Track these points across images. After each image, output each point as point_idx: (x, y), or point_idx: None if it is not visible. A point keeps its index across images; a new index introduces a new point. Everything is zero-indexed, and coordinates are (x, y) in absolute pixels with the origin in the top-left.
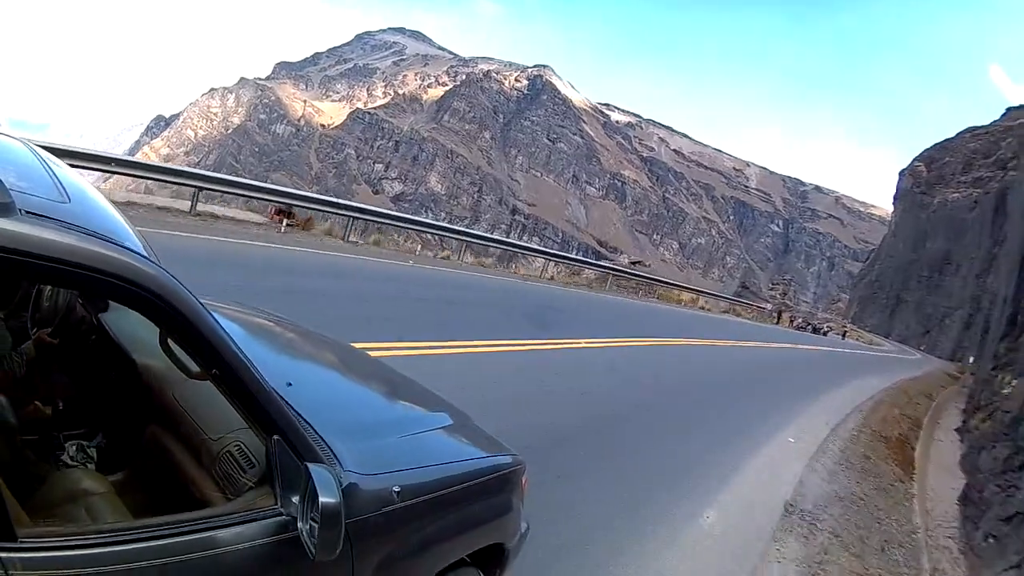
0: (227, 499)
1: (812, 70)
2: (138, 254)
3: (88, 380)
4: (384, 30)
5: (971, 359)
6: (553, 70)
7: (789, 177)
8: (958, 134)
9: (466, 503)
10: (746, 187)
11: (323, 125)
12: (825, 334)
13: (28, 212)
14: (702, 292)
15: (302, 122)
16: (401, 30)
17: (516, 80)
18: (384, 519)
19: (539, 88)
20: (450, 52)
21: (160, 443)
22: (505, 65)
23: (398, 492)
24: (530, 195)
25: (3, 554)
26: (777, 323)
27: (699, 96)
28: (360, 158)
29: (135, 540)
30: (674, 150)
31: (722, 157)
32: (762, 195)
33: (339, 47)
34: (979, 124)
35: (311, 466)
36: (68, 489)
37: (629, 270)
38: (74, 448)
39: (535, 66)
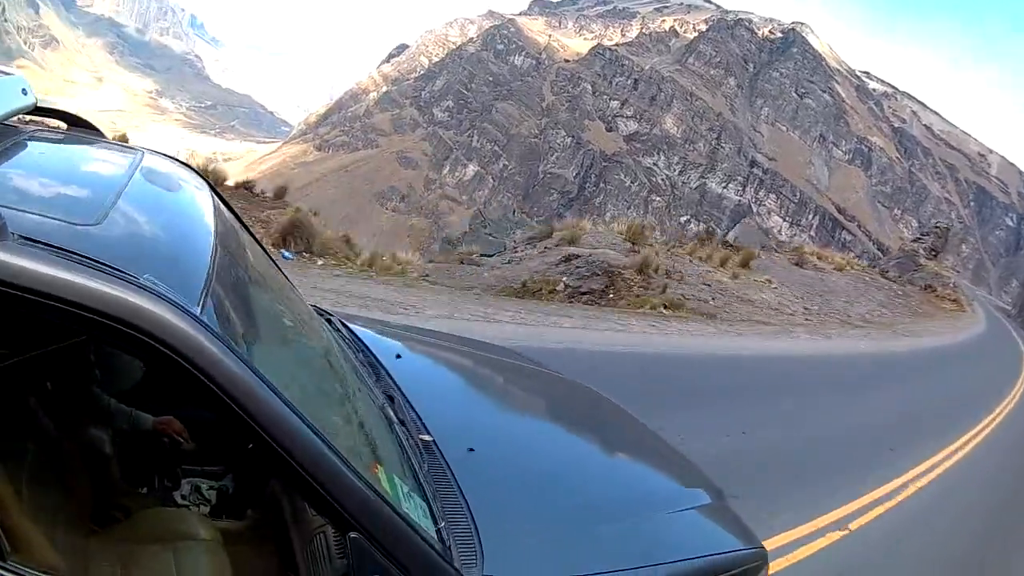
0: None
1: None
2: (150, 291)
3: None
4: None
5: None
6: (810, 28)
7: None
8: None
9: None
10: (987, 174)
11: (566, 60)
12: None
13: (22, 237)
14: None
15: (543, 55)
16: None
17: (770, 32)
18: None
19: (791, 42)
20: (715, 4)
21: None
22: (764, 20)
23: None
24: (772, 149)
25: None
26: None
27: (953, 74)
28: (596, 93)
29: None
30: (924, 125)
31: (968, 140)
32: (1001, 185)
33: None
34: None
35: None
36: (157, 529)
37: None
38: (189, 486)
39: (792, 22)
